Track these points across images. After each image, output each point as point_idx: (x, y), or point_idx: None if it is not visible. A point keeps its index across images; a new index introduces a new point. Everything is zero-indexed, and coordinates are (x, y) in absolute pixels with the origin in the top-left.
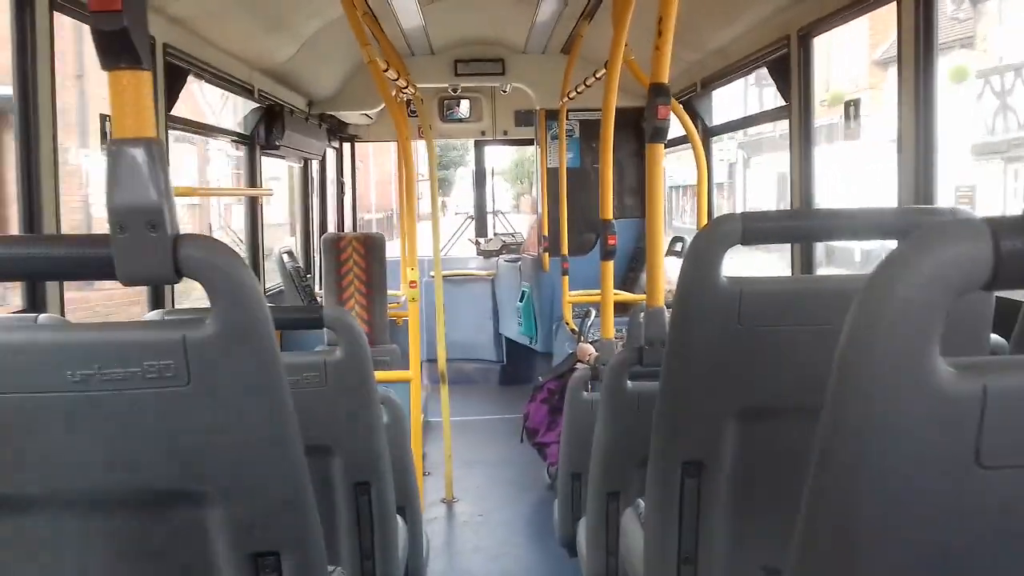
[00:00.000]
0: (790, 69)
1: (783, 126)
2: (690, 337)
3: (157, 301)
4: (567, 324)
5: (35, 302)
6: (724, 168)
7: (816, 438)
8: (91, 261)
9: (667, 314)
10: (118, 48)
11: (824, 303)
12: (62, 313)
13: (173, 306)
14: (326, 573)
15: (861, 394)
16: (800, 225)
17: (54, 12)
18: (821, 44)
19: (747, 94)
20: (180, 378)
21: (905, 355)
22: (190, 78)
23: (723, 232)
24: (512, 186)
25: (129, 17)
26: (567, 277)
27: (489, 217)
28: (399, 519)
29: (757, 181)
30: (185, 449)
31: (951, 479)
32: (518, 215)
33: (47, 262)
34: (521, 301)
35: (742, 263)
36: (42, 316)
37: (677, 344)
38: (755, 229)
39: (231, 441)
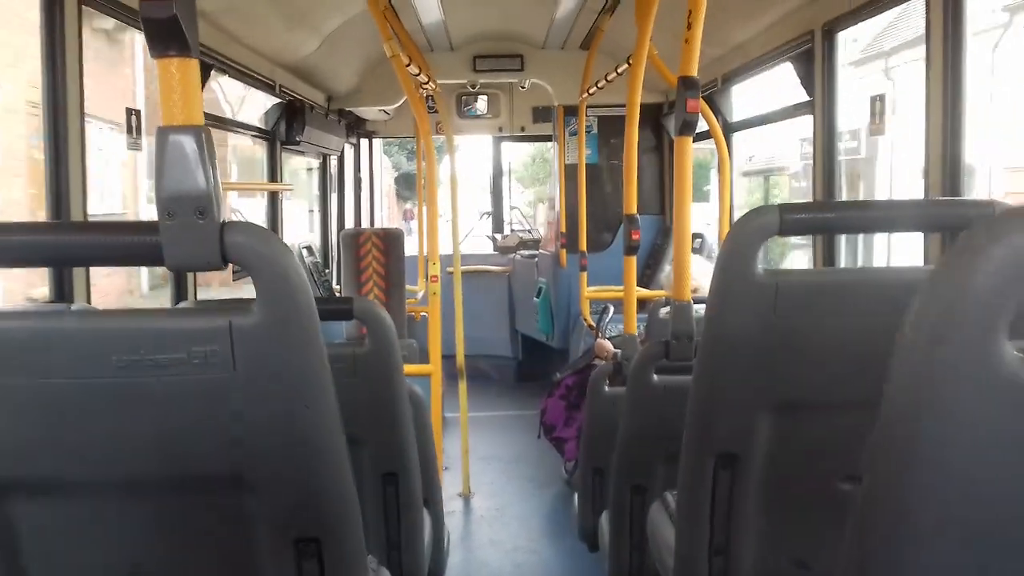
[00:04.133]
0: (814, 64)
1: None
2: (726, 329)
3: (180, 293)
4: (585, 320)
5: (63, 292)
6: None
7: (876, 425)
8: (140, 248)
9: (693, 309)
10: (167, 36)
11: (862, 295)
12: (89, 302)
13: (195, 298)
14: (365, 560)
15: (926, 381)
16: (838, 217)
17: (82, 5)
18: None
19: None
20: (225, 364)
21: (976, 344)
22: (212, 73)
23: (760, 224)
24: (527, 189)
25: (178, 4)
26: (585, 273)
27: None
28: (424, 511)
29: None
30: (228, 435)
31: (1018, 467)
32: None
33: (97, 248)
34: (538, 297)
35: None
36: (74, 306)
37: (712, 336)
38: (793, 220)
39: (275, 428)
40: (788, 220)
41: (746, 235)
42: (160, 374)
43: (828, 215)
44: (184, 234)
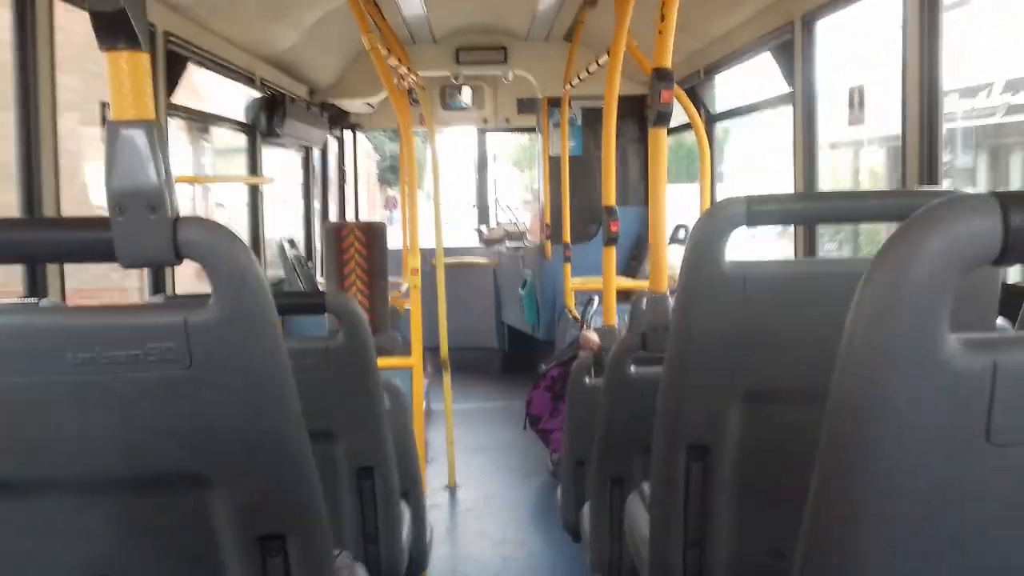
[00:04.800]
0: (794, 55)
1: None
2: (694, 321)
3: (158, 285)
4: (569, 311)
5: (36, 287)
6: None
7: (824, 417)
8: (91, 244)
9: (670, 300)
10: (116, 29)
11: (828, 285)
12: (63, 298)
13: (174, 291)
14: (331, 556)
15: (869, 372)
16: (805, 208)
17: None
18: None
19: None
20: (182, 361)
21: (914, 331)
22: (190, 66)
23: (727, 215)
24: (525, 170)
25: None
26: (569, 264)
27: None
28: (403, 504)
29: None
30: (188, 432)
31: (961, 456)
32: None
33: (47, 245)
34: (523, 289)
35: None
36: (43, 301)
37: (681, 328)
38: (759, 212)
39: (234, 424)
40: (755, 211)
41: (713, 227)
42: (117, 371)
43: (795, 206)
44: (136, 230)
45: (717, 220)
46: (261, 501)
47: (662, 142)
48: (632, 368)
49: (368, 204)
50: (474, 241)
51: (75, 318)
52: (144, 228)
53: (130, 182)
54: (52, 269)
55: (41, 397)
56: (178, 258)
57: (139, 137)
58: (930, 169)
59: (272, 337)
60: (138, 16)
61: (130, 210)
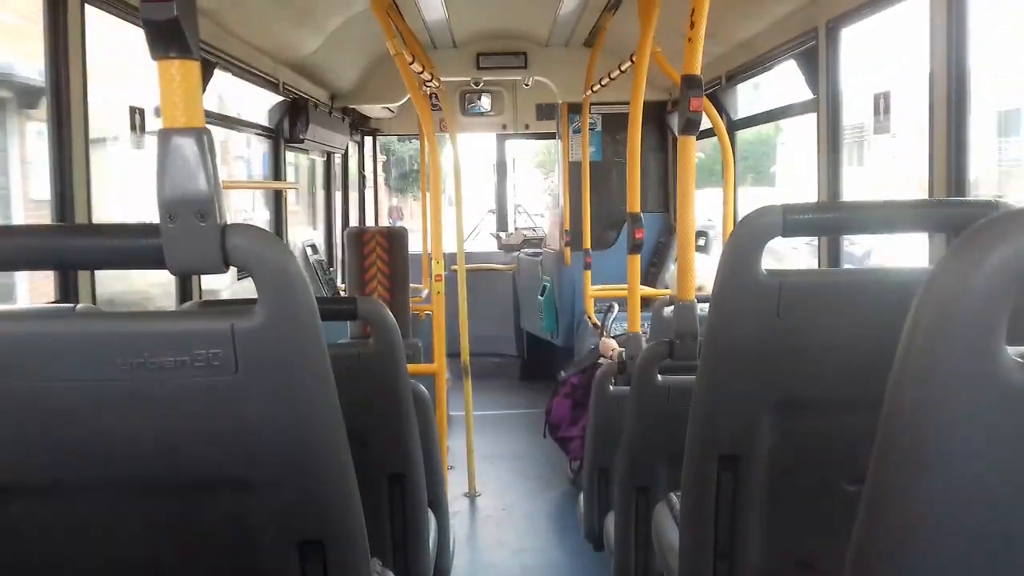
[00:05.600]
0: (818, 62)
1: None
2: (728, 330)
3: (185, 294)
4: (589, 319)
5: (68, 292)
6: None
7: (878, 428)
8: (142, 251)
9: (697, 308)
10: (168, 37)
11: (864, 296)
12: (94, 303)
13: (200, 298)
14: (368, 564)
15: (925, 383)
16: (842, 217)
17: (85, 4)
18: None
19: None
20: (228, 367)
21: (972, 344)
22: (216, 72)
23: (763, 224)
24: (549, 174)
25: (179, 6)
26: (589, 272)
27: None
28: (429, 512)
29: None
30: (233, 437)
31: (1015, 469)
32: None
33: (99, 252)
34: (542, 295)
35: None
36: (79, 306)
37: (715, 337)
38: (796, 221)
39: (278, 430)
40: (791, 221)
41: (749, 236)
42: (164, 377)
43: (832, 215)
44: (185, 237)
45: (753, 229)
46: (302, 507)
47: (691, 149)
48: (659, 376)
49: (373, 213)
50: (493, 246)
51: (123, 324)
52: (193, 235)
53: (181, 190)
54: (83, 275)
55: (87, 402)
56: (226, 265)
57: (189, 145)
58: (958, 179)
59: (317, 343)
60: (190, 24)
61: (180, 217)
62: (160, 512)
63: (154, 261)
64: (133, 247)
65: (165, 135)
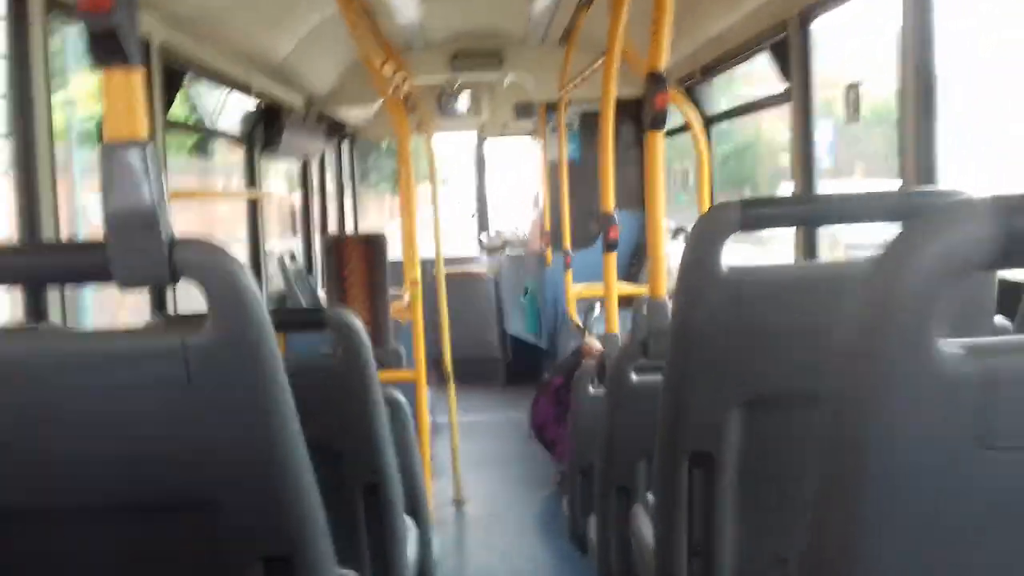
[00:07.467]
0: (790, 53)
1: None
2: (691, 327)
3: (160, 304)
4: (571, 319)
5: (37, 310)
6: None
7: (822, 423)
8: (89, 266)
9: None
10: (108, 46)
11: (826, 289)
12: (64, 320)
13: (176, 309)
14: (336, 575)
15: (863, 378)
16: (799, 211)
17: (49, 15)
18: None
19: None
20: (180, 383)
21: (907, 338)
22: (188, 80)
23: (721, 220)
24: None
25: (119, 16)
26: (570, 271)
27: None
28: (410, 521)
29: None
30: (189, 456)
31: (955, 461)
32: None
33: (47, 269)
34: (524, 297)
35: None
36: (43, 325)
37: (679, 334)
38: (754, 215)
39: (235, 446)
40: (750, 215)
41: (708, 231)
42: (117, 396)
43: (791, 209)
44: (131, 251)
45: (712, 224)
46: (264, 523)
47: (659, 145)
48: (633, 376)
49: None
50: (474, 250)
51: (73, 342)
52: (140, 249)
53: (125, 203)
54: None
55: (38, 423)
56: (174, 278)
57: (133, 157)
58: (926, 168)
59: (270, 357)
60: (131, 33)
61: (125, 231)
62: (120, 534)
63: (102, 275)
64: (80, 262)
65: (108, 147)
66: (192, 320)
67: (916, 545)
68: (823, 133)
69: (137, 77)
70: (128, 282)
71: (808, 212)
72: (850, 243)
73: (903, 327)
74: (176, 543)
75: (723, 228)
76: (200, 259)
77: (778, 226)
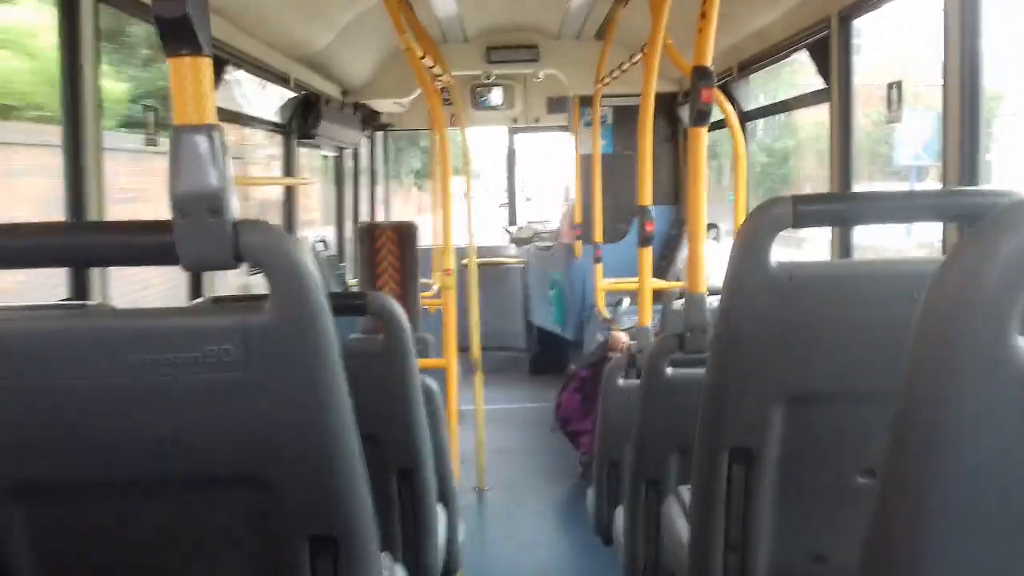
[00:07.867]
0: (830, 52)
1: None
2: (739, 322)
3: (196, 289)
4: (599, 312)
5: (80, 290)
6: None
7: (893, 420)
8: (154, 247)
9: (707, 300)
10: (180, 35)
11: (876, 287)
12: (107, 300)
13: (213, 293)
14: (378, 559)
15: (940, 375)
16: (853, 208)
17: (99, 3)
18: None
19: None
20: (238, 364)
21: (985, 335)
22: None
23: (773, 216)
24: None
25: (191, 3)
26: (600, 264)
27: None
28: (439, 506)
29: None
30: (243, 434)
31: None
32: None
33: (111, 249)
34: (552, 289)
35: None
36: (90, 304)
37: (725, 330)
38: (807, 212)
39: (289, 426)
40: (802, 212)
41: (759, 227)
42: (174, 374)
43: (843, 206)
44: (197, 233)
45: (763, 221)
46: (313, 503)
47: (701, 141)
48: (668, 369)
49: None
50: (503, 240)
51: (133, 321)
52: (205, 231)
53: (192, 186)
54: (95, 271)
55: (97, 400)
56: (237, 261)
57: (201, 141)
58: (971, 167)
59: (328, 339)
60: (202, 22)
61: (192, 214)
62: (171, 510)
63: (167, 258)
64: (146, 244)
65: (177, 132)
66: (249, 301)
67: (986, 544)
68: (923, 128)
69: (207, 64)
70: (192, 264)
71: (862, 210)
72: (857, 245)
73: (982, 324)
74: (226, 519)
75: (775, 224)
76: (264, 242)
77: (830, 224)
